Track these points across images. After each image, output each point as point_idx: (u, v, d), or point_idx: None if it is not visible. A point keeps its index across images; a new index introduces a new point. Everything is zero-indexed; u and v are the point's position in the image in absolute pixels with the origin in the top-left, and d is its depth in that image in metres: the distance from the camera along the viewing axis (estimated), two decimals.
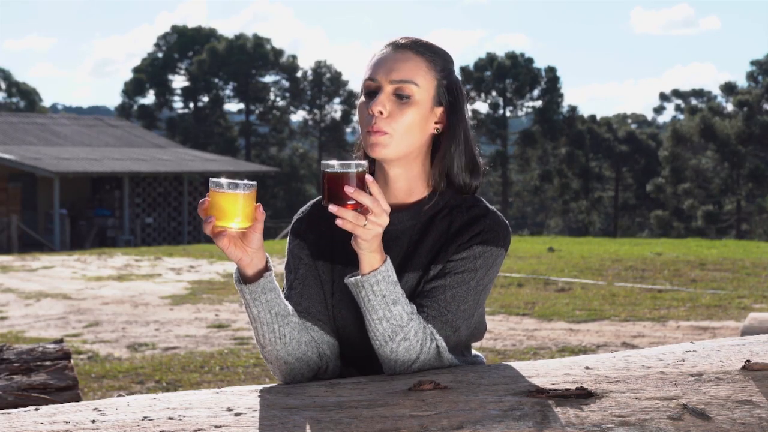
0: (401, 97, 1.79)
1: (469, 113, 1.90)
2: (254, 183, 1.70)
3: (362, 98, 1.84)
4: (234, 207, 1.67)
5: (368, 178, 1.63)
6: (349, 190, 1.62)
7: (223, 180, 1.67)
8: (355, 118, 1.92)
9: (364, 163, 1.65)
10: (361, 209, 1.64)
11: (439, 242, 1.84)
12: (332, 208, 1.63)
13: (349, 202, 1.63)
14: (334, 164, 1.64)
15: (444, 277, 1.80)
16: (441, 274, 1.81)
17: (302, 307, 1.86)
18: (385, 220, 1.65)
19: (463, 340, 1.84)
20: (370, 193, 1.64)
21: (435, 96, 1.82)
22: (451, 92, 1.84)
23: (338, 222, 1.63)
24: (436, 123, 1.84)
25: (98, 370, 6.68)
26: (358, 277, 1.72)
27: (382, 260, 1.72)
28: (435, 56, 1.83)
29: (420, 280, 1.83)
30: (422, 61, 1.81)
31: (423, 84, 1.80)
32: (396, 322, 1.73)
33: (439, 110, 1.84)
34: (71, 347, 7.23)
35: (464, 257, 1.81)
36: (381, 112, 1.78)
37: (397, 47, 1.83)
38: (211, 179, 1.69)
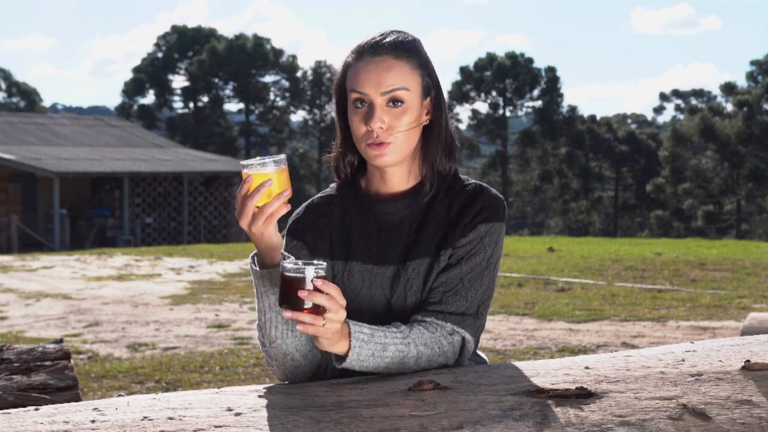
0: (395, 105, 1.81)
1: (444, 92, 1.92)
2: (282, 156, 1.70)
3: (352, 108, 1.83)
4: (287, 181, 1.69)
5: (316, 282, 1.60)
6: (303, 294, 1.59)
7: (274, 156, 1.67)
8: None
9: (322, 265, 1.62)
10: (319, 309, 1.61)
11: (442, 226, 1.87)
12: (287, 314, 1.61)
13: (305, 306, 1.60)
14: (288, 267, 1.61)
15: (458, 265, 1.83)
16: (454, 261, 1.84)
17: None
18: (343, 315, 1.64)
19: (484, 322, 1.87)
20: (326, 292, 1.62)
21: (422, 91, 1.85)
22: (434, 81, 1.87)
23: (298, 327, 1.62)
24: (426, 114, 1.87)
25: (98, 370, 6.67)
26: (342, 363, 1.72)
27: (347, 344, 1.70)
28: (411, 54, 1.84)
29: (430, 266, 1.85)
30: (405, 64, 1.82)
31: (412, 86, 1.82)
32: (399, 362, 1.76)
33: (427, 101, 1.87)
34: (71, 347, 7.23)
35: (471, 239, 1.84)
36: (381, 127, 1.80)
37: (377, 54, 1.82)
38: (270, 158, 1.67)
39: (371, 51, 1.82)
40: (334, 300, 1.61)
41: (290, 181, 1.70)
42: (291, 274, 1.61)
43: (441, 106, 1.87)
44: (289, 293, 1.61)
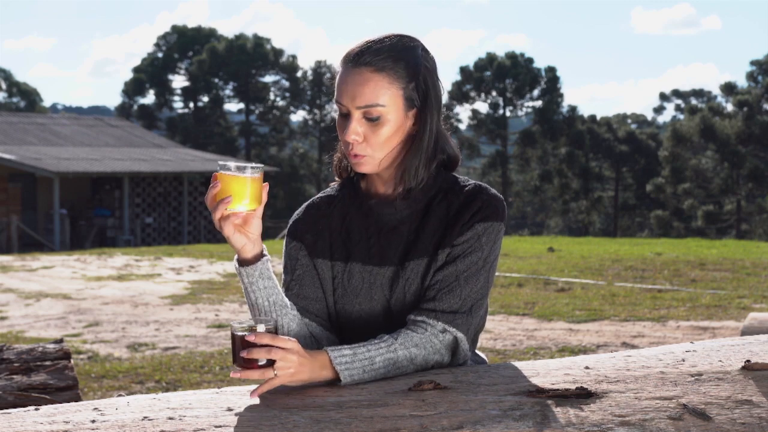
0: (371, 120, 1.81)
1: (441, 91, 1.88)
2: (261, 166, 1.74)
3: (338, 115, 1.86)
4: (244, 189, 1.71)
5: (249, 338, 1.62)
6: (243, 353, 1.62)
7: (232, 163, 1.71)
8: None
9: (271, 321, 1.67)
10: (269, 362, 1.63)
11: (441, 226, 1.87)
12: (235, 375, 1.63)
13: (260, 363, 1.62)
14: (236, 326, 1.65)
15: (454, 263, 1.83)
16: (450, 259, 1.83)
17: (299, 307, 1.90)
18: (292, 359, 1.64)
19: (478, 321, 1.86)
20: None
21: (405, 104, 1.83)
22: (420, 92, 1.84)
23: (251, 395, 1.63)
24: (414, 124, 1.86)
25: (98, 370, 6.67)
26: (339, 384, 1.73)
27: (332, 371, 1.71)
28: (396, 64, 1.81)
29: (428, 266, 1.85)
30: (383, 78, 1.79)
31: (389, 101, 1.80)
32: (393, 368, 1.76)
33: (413, 112, 1.85)
34: (71, 347, 7.23)
35: (469, 238, 1.83)
36: (356, 140, 1.81)
37: (356, 65, 1.80)
38: (220, 162, 1.73)
39: (353, 61, 1.81)
40: (274, 351, 1.62)
41: (248, 189, 1.70)
42: (238, 333, 1.64)
43: (426, 118, 1.84)
44: (236, 352, 1.65)
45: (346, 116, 1.83)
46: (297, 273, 1.92)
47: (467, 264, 1.82)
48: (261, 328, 1.64)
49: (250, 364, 1.62)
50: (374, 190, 1.93)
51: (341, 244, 1.92)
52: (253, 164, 1.72)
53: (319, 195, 2.01)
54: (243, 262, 1.81)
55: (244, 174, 1.70)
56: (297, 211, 2.00)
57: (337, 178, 2.01)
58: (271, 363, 1.63)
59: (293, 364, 1.64)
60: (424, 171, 1.86)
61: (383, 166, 1.86)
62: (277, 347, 1.63)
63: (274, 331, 1.67)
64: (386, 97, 1.80)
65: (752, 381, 1.63)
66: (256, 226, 1.76)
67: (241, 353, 1.62)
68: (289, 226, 1.99)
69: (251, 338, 1.62)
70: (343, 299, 1.90)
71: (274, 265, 1.85)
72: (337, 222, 1.94)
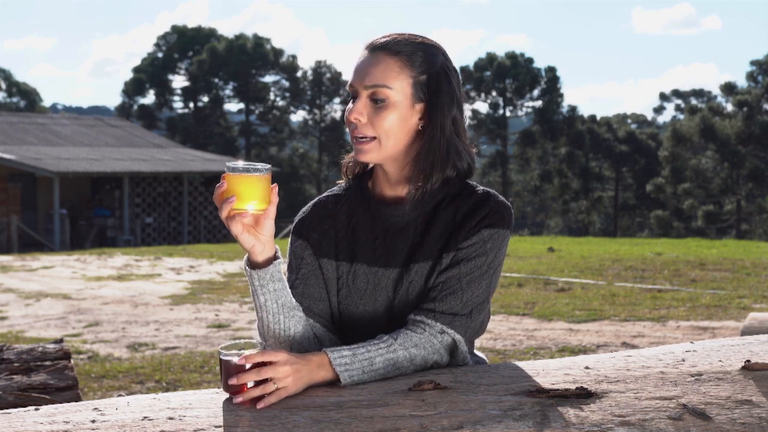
0: (377, 101, 1.81)
1: (458, 106, 1.86)
2: (270, 166, 1.72)
3: (350, 103, 1.86)
4: (250, 189, 1.69)
5: (239, 362, 1.62)
6: (233, 380, 1.62)
7: (240, 163, 1.69)
8: None
9: (259, 347, 1.67)
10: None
11: (447, 230, 1.86)
12: (237, 400, 1.61)
13: (248, 386, 1.62)
14: (224, 351, 1.66)
15: (457, 266, 1.82)
16: (454, 262, 1.83)
17: (303, 306, 1.90)
18: (285, 369, 1.63)
19: (477, 325, 1.86)
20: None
21: (413, 94, 1.83)
22: (431, 87, 1.83)
23: (259, 405, 1.60)
24: (420, 119, 1.85)
25: (98, 370, 6.67)
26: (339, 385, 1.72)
27: (330, 371, 1.70)
28: (413, 53, 1.82)
29: (432, 269, 1.85)
30: (395, 62, 1.81)
31: (397, 85, 1.80)
32: (393, 368, 1.75)
33: (420, 107, 1.84)
34: (71, 347, 7.23)
35: (474, 243, 1.83)
36: (359, 120, 1.81)
37: (372, 50, 1.83)
38: (227, 163, 1.71)
39: (370, 47, 1.84)
40: (261, 371, 1.62)
41: (255, 189, 1.69)
42: (226, 358, 1.64)
43: (436, 117, 1.83)
44: (226, 379, 1.64)
45: (355, 100, 1.83)
46: (302, 272, 1.92)
47: (471, 267, 1.82)
48: (249, 352, 1.64)
49: (240, 388, 1.62)
50: (381, 191, 1.93)
51: (347, 245, 1.92)
52: (262, 164, 1.70)
53: (326, 193, 2.00)
54: (254, 265, 1.78)
55: (251, 174, 1.69)
56: (303, 209, 1.99)
57: (343, 177, 2.00)
58: (262, 381, 1.62)
59: (288, 373, 1.63)
60: (435, 174, 1.85)
61: (386, 157, 1.84)
62: (266, 364, 1.62)
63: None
64: (394, 80, 1.80)
65: (752, 381, 1.63)
66: (268, 228, 1.74)
67: (230, 381, 1.61)
68: (294, 223, 1.99)
69: (241, 362, 1.62)
70: (347, 300, 1.90)
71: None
72: (343, 222, 1.94)
